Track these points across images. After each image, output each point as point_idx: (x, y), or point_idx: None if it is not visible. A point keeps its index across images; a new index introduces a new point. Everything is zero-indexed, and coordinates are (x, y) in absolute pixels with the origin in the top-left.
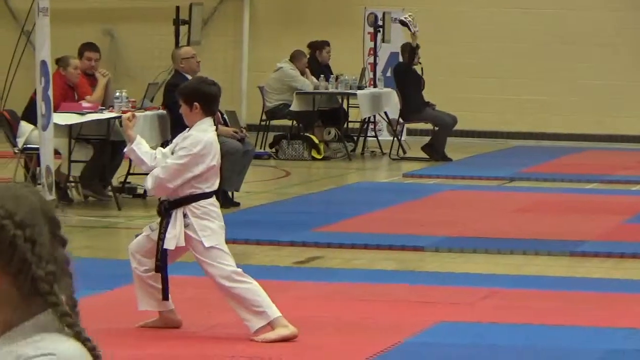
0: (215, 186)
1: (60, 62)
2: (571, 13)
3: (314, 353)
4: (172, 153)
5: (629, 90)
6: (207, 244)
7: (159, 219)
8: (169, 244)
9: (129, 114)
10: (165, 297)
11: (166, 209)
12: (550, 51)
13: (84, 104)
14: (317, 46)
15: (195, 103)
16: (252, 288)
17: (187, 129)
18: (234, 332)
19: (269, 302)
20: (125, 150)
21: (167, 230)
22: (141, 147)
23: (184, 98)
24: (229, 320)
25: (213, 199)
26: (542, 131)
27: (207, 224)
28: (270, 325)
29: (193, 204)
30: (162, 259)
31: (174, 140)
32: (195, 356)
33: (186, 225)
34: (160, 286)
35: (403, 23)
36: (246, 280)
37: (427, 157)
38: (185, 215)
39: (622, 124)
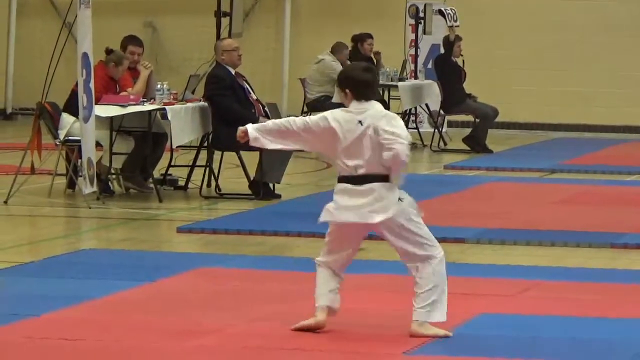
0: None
1: (113, 56)
2: (615, 3)
3: (355, 345)
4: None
5: None
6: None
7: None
8: None
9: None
10: None
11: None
12: (593, 42)
13: (121, 95)
14: (359, 38)
15: (347, 90)
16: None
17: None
18: (275, 325)
19: (320, 291)
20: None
21: None
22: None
23: (338, 83)
24: (269, 313)
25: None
26: (584, 123)
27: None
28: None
29: None
30: None
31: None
32: (237, 349)
33: None
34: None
35: (441, 13)
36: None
37: (468, 148)
38: None
39: None
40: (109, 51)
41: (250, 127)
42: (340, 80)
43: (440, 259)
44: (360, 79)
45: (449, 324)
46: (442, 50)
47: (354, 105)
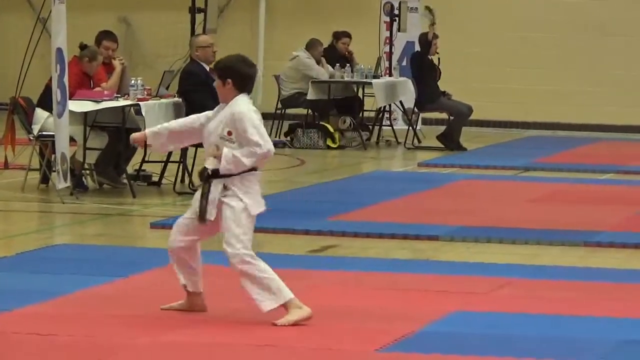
0: None
1: (87, 52)
2: (590, 2)
3: (328, 341)
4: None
5: None
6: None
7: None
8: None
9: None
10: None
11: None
12: (568, 40)
13: (103, 90)
14: (337, 35)
15: (229, 79)
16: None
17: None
18: (247, 321)
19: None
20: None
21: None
22: (158, 135)
23: (218, 73)
24: (242, 308)
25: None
26: (558, 121)
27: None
28: (285, 307)
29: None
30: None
31: (217, 117)
32: (210, 344)
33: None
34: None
35: (430, 11)
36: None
37: (442, 146)
38: (225, 187)
39: (639, 115)
40: (82, 47)
41: (150, 136)
42: (221, 70)
43: None
44: (245, 72)
45: (423, 321)
46: (417, 48)
47: (242, 97)
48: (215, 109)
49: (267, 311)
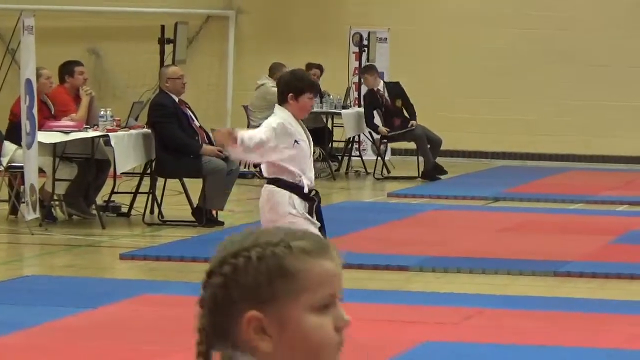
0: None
1: None
2: (558, 32)
3: None
4: None
5: (615, 111)
6: None
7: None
8: None
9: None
10: None
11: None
12: (536, 70)
13: (64, 121)
14: (308, 66)
15: None
16: None
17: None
18: None
19: None
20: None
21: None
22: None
23: (317, 91)
24: None
25: None
26: (527, 151)
27: None
28: None
29: None
30: None
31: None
32: None
33: None
34: None
35: None
36: None
37: (412, 176)
38: None
39: (608, 144)
40: None
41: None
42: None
43: None
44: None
45: (393, 352)
46: (386, 78)
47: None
48: (285, 126)
49: None
